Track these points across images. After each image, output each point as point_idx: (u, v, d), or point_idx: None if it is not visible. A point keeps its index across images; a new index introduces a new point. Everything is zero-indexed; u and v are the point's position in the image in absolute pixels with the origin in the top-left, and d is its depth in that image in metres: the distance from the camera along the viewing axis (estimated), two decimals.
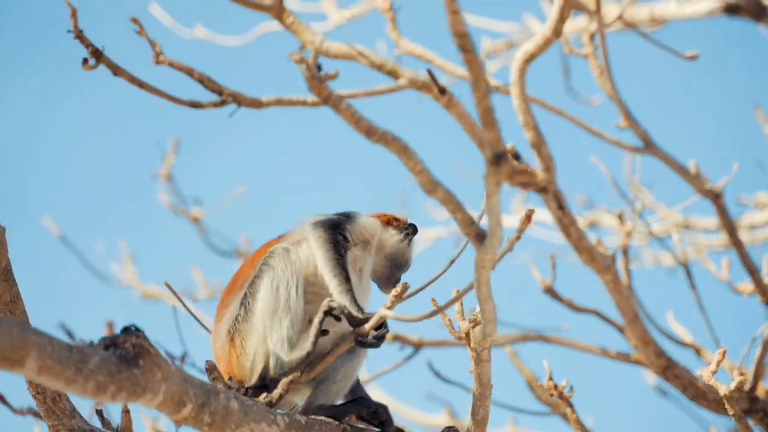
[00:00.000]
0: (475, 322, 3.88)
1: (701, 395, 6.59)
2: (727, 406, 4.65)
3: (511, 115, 6.12)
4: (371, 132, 4.64)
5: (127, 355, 2.92)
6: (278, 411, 3.60)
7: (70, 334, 5.97)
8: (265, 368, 4.18)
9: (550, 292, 6.47)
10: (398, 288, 3.93)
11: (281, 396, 3.93)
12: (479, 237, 3.37)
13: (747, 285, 6.94)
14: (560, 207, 6.08)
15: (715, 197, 6.64)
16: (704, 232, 9.45)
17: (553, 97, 6.69)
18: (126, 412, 4.18)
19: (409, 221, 4.96)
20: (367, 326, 3.89)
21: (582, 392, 5.66)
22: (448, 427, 4.11)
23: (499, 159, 2.91)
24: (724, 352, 4.77)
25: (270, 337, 4.13)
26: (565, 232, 6.17)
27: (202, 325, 4.70)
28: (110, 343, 2.92)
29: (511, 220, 9.66)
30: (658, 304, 7.17)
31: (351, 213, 4.75)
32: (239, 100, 5.46)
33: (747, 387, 6.67)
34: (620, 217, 6.73)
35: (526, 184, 6.03)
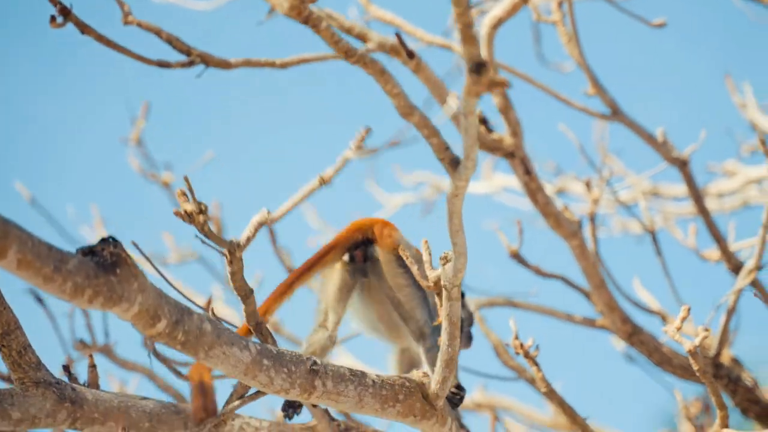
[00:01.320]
0: (446, 259, 3.75)
1: (667, 361, 6.70)
2: (691, 361, 4.70)
3: None
4: (350, 53, 4.69)
5: (104, 262, 2.93)
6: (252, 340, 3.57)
7: (39, 299, 5.99)
8: None
9: (517, 257, 6.51)
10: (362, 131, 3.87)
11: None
12: (453, 163, 3.25)
13: (713, 252, 7.01)
14: (527, 172, 6.18)
15: (682, 164, 6.71)
16: (673, 200, 9.53)
17: (523, 65, 6.74)
18: (92, 366, 4.23)
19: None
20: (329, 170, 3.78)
21: (550, 358, 5.72)
22: (400, 377, 4.04)
23: (480, 68, 2.88)
24: (689, 309, 4.78)
25: None
26: (531, 197, 6.27)
27: (172, 285, 4.72)
28: (88, 251, 2.92)
29: (480, 187, 9.75)
30: (625, 271, 7.23)
31: None
32: (207, 60, 5.48)
33: (712, 353, 6.77)
34: (587, 184, 6.78)
35: (494, 149, 6.11)
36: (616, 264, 6.88)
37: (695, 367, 4.73)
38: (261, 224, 3.64)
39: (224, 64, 5.58)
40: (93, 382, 4.22)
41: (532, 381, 6.17)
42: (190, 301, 3.66)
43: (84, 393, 4.04)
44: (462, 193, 3.34)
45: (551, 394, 5.29)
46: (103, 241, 2.94)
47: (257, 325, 3.87)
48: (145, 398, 4.38)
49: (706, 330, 4.73)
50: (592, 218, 6.74)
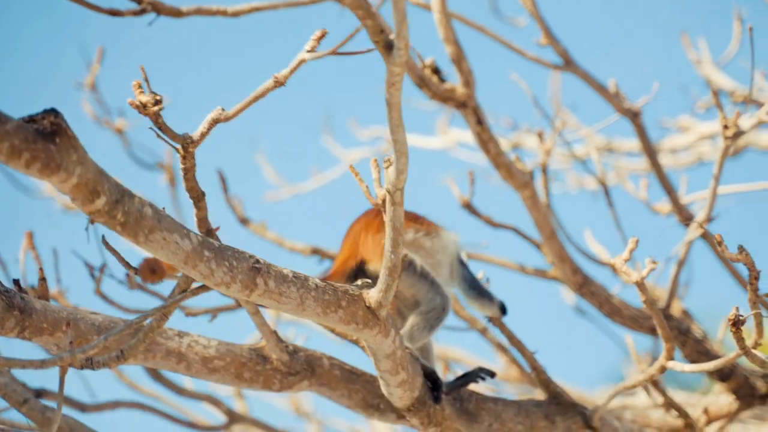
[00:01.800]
0: (388, 162, 3.71)
1: (617, 312, 6.79)
2: (639, 292, 4.78)
3: (432, 29, 6.26)
4: None
5: (44, 130, 2.94)
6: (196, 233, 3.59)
7: None
8: None
9: (469, 207, 6.59)
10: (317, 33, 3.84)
11: None
12: (388, 47, 3.20)
13: (665, 205, 7.10)
14: (479, 122, 6.26)
15: (634, 116, 6.82)
16: (627, 155, 9.66)
17: (478, 17, 6.81)
18: (42, 280, 4.28)
19: None
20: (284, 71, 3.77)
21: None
22: (345, 285, 4.11)
23: None
24: (637, 241, 4.87)
25: None
26: (483, 148, 6.35)
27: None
28: (28, 119, 2.94)
29: (436, 142, 9.84)
30: (580, 225, 7.31)
31: None
32: (158, 8, 5.55)
33: (662, 305, 6.88)
34: (540, 136, 6.86)
35: (446, 99, 6.19)
36: (570, 218, 6.98)
37: (642, 299, 4.83)
38: (215, 121, 3.65)
39: (175, 13, 5.65)
40: (43, 295, 4.28)
41: (483, 332, 6.25)
42: None
43: (33, 303, 4.11)
44: (399, 81, 3.30)
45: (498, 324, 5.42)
46: (45, 111, 2.98)
47: (208, 233, 3.92)
48: (95, 313, 4.45)
49: (654, 263, 4.83)
50: (545, 170, 6.82)
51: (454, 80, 6.22)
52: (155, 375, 6.48)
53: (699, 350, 6.81)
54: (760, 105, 7.53)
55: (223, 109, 3.66)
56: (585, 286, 6.76)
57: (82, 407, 6.47)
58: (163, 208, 3.59)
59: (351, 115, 10.97)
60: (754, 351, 4.43)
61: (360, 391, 5.02)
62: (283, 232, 7.34)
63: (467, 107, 6.15)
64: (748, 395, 6.94)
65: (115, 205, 3.19)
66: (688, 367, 4.92)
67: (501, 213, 6.93)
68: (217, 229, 3.93)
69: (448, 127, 10.15)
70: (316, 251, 7.12)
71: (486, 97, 6.39)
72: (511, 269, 7.16)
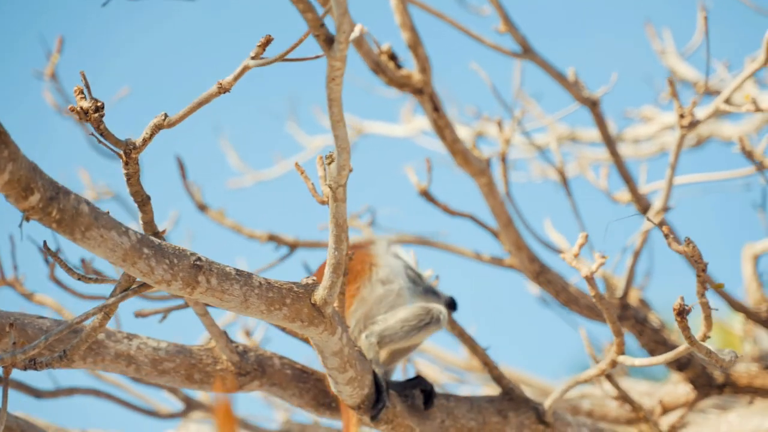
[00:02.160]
0: (330, 158, 3.71)
1: (573, 301, 6.81)
2: (588, 286, 4.80)
3: (389, 15, 6.24)
4: None
5: None
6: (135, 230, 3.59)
7: None
8: None
9: (426, 195, 6.59)
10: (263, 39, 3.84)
11: None
12: (328, 41, 3.18)
13: (625, 194, 7.13)
14: (435, 109, 6.24)
15: (593, 105, 6.82)
16: (590, 145, 9.70)
17: (443, 6, 6.80)
18: None
19: None
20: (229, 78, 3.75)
21: (468, 302, 5.84)
22: (290, 282, 4.12)
23: None
24: (586, 236, 4.88)
25: None
26: (440, 134, 6.34)
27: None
28: None
29: (400, 130, 9.84)
30: (545, 215, 7.37)
31: None
32: None
33: (619, 294, 6.90)
34: (499, 124, 6.86)
35: (402, 85, 6.17)
36: (534, 207, 7.00)
37: (591, 293, 4.84)
38: (158, 127, 3.62)
39: None
40: None
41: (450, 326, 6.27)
42: None
43: None
44: (339, 76, 3.28)
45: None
46: None
47: (155, 235, 3.90)
48: (42, 317, 4.43)
49: (603, 257, 4.83)
50: (504, 159, 6.83)
51: (411, 67, 6.21)
52: None
53: (656, 340, 6.85)
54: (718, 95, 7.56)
55: (166, 115, 3.63)
56: (542, 275, 6.77)
57: (38, 394, 6.47)
58: (107, 211, 3.58)
59: (315, 102, 10.98)
60: (700, 342, 4.44)
61: (311, 390, 5.03)
62: (246, 219, 7.34)
63: (423, 94, 6.14)
64: (705, 385, 6.99)
65: (49, 202, 3.16)
66: (639, 361, 4.93)
67: (463, 201, 6.94)
68: (164, 232, 3.90)
69: (413, 115, 10.19)
70: (272, 238, 7.12)
71: (452, 85, 6.39)
72: (467, 257, 7.18)
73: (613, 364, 5.05)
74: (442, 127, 6.24)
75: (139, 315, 5.13)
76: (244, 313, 3.85)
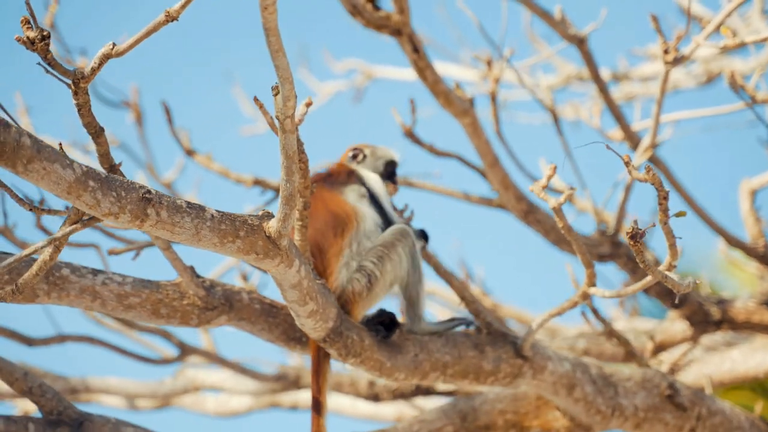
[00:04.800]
0: (276, 90, 3.77)
1: (562, 239, 6.97)
2: (556, 218, 4.94)
3: None
4: None
5: None
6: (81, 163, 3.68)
7: None
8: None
9: (411, 136, 6.75)
10: None
11: None
12: None
13: (619, 132, 7.26)
14: (415, 50, 6.40)
15: (580, 42, 6.95)
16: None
17: None
18: None
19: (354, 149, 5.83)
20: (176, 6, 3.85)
21: (472, 243, 6.01)
22: (244, 214, 4.21)
23: None
24: (555, 168, 5.00)
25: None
26: (421, 76, 6.51)
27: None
28: None
29: (409, 74, 10.02)
30: (545, 156, 7.54)
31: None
32: None
33: (610, 232, 7.07)
34: (488, 63, 7.01)
35: (381, 27, 6.34)
36: (529, 149, 7.14)
37: (559, 224, 5.00)
38: (106, 56, 3.71)
39: None
40: None
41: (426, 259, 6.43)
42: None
43: None
44: (272, 4, 3.34)
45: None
46: None
47: (111, 168, 4.04)
48: (6, 253, 4.62)
49: (572, 189, 4.99)
50: (494, 98, 7.00)
51: (388, 8, 6.33)
52: None
53: None
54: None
55: (114, 44, 3.77)
56: (530, 214, 6.92)
57: (29, 341, 6.72)
58: (60, 144, 3.77)
59: (324, 47, 11.21)
60: (654, 267, 4.49)
61: (281, 324, 5.17)
62: (259, 166, 7.53)
63: (402, 35, 6.28)
64: (702, 322, 7.15)
65: None
66: (609, 292, 5.09)
67: (451, 144, 7.10)
68: (120, 164, 4.03)
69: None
70: (258, 182, 7.30)
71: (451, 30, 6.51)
72: (456, 198, 7.36)
73: (585, 296, 5.21)
74: (423, 68, 6.39)
75: (112, 253, 5.32)
76: (196, 246, 3.98)
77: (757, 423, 6.34)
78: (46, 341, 6.74)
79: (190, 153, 7.49)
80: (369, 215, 5.43)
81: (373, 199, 5.57)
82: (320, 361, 5.12)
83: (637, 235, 4.34)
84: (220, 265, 8.40)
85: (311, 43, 11.92)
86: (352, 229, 5.30)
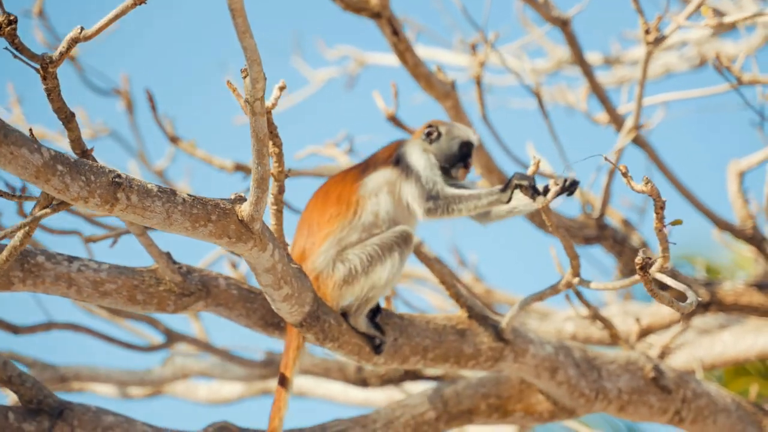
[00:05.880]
0: (245, 73, 3.82)
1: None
2: (544, 217, 5.00)
3: None
4: None
5: None
6: (48, 147, 3.71)
7: None
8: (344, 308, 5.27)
9: (393, 120, 6.79)
10: None
11: None
12: None
13: (605, 115, 7.31)
14: (395, 32, 6.46)
15: (563, 24, 7.00)
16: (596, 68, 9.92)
17: None
18: None
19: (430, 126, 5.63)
20: None
21: (459, 230, 6.05)
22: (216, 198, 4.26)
23: None
24: (539, 162, 5.12)
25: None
26: (401, 59, 6.57)
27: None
28: None
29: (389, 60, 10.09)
30: (535, 141, 7.59)
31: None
32: None
33: (595, 214, 7.13)
34: (473, 47, 7.06)
35: (360, 10, 6.39)
36: (524, 134, 7.18)
37: (548, 223, 5.07)
38: (74, 40, 3.76)
39: None
40: None
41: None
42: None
43: None
44: None
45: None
46: None
47: (83, 154, 4.09)
48: None
49: (556, 184, 5.08)
50: (478, 82, 7.05)
51: None
52: None
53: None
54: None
55: (82, 28, 3.81)
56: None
57: (15, 329, 6.77)
58: (30, 129, 3.82)
59: (317, 35, 11.31)
60: (662, 293, 4.60)
61: (258, 309, 5.22)
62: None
63: (382, 17, 6.32)
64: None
65: None
66: (594, 284, 5.14)
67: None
68: (92, 150, 4.08)
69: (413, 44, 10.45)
70: (239, 167, 7.36)
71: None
72: None
73: (568, 285, 5.27)
74: (403, 51, 6.44)
75: (89, 241, 5.38)
76: (168, 230, 4.02)
77: (743, 405, 6.40)
78: (32, 329, 6.79)
79: (174, 140, 7.54)
80: (376, 208, 5.35)
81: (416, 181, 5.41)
82: (293, 337, 5.14)
83: (646, 266, 4.46)
84: (210, 254, 8.46)
85: (304, 31, 11.99)
86: (344, 218, 5.28)
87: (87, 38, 3.83)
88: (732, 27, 7.55)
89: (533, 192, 5.11)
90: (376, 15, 6.30)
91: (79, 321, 7.11)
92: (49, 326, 6.87)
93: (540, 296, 5.41)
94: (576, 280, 5.24)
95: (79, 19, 3.81)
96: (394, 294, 7.37)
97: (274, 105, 4.34)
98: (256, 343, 8.54)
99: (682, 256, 11.64)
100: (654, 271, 4.58)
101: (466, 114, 6.71)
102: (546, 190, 5.06)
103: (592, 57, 9.93)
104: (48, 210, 3.83)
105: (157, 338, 7.89)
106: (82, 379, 8.38)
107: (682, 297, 7.01)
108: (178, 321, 8.75)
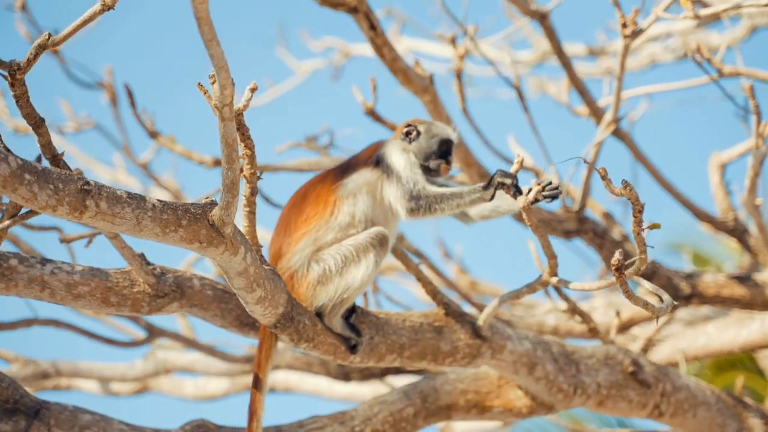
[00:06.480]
0: (213, 79, 3.85)
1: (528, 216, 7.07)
2: (524, 216, 5.05)
3: None
4: None
5: None
6: (16, 155, 3.73)
7: None
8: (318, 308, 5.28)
9: (372, 114, 6.82)
10: None
11: None
12: None
13: (585, 108, 7.34)
14: (372, 27, 6.49)
15: (542, 18, 7.03)
16: (583, 60, 9.97)
17: None
18: None
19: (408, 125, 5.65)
20: None
21: (443, 223, 6.09)
22: (187, 203, 4.25)
23: None
24: (522, 161, 5.15)
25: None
26: (378, 53, 6.60)
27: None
28: None
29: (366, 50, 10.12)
30: (519, 133, 7.63)
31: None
32: None
33: (575, 207, 7.17)
34: (452, 41, 7.08)
35: (336, 5, 6.42)
36: (508, 126, 7.20)
37: (528, 223, 5.11)
38: (42, 47, 3.79)
39: None
40: None
41: None
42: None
43: None
44: None
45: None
46: None
47: (54, 159, 4.13)
48: None
49: (538, 184, 5.12)
50: (459, 75, 7.08)
51: None
52: None
53: None
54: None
55: (50, 35, 3.85)
56: None
57: None
58: None
59: (302, 26, 11.37)
60: (637, 297, 4.66)
61: (233, 310, 5.25)
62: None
63: (359, 12, 6.34)
64: (671, 296, 7.25)
65: None
66: (572, 285, 5.18)
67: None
68: (62, 154, 4.12)
69: (398, 36, 10.55)
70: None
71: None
72: None
73: (545, 284, 5.33)
74: (380, 46, 6.46)
75: (63, 241, 5.41)
76: (138, 236, 4.05)
77: (723, 398, 6.44)
78: (12, 325, 6.81)
79: (153, 135, 7.56)
80: (352, 209, 5.37)
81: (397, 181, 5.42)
82: (266, 337, 5.18)
83: (621, 267, 4.55)
84: (193, 253, 8.49)
85: (289, 21, 12.05)
86: (321, 218, 5.30)
87: (55, 45, 3.87)
88: (716, 18, 7.59)
89: (516, 191, 5.15)
90: (353, 10, 6.33)
91: (62, 317, 7.15)
92: (30, 322, 6.90)
93: (517, 294, 5.46)
94: (554, 279, 5.28)
95: (62, 13, 3.84)
96: (376, 289, 7.45)
97: (245, 107, 4.37)
98: (240, 339, 8.58)
99: (670, 245, 11.70)
100: (631, 274, 4.67)
101: (444, 108, 6.73)
102: (528, 190, 5.09)
103: (577, 48, 9.98)
104: (17, 218, 3.87)
105: (140, 334, 7.92)
106: (64, 375, 8.42)
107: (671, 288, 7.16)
108: (163, 317, 8.78)
